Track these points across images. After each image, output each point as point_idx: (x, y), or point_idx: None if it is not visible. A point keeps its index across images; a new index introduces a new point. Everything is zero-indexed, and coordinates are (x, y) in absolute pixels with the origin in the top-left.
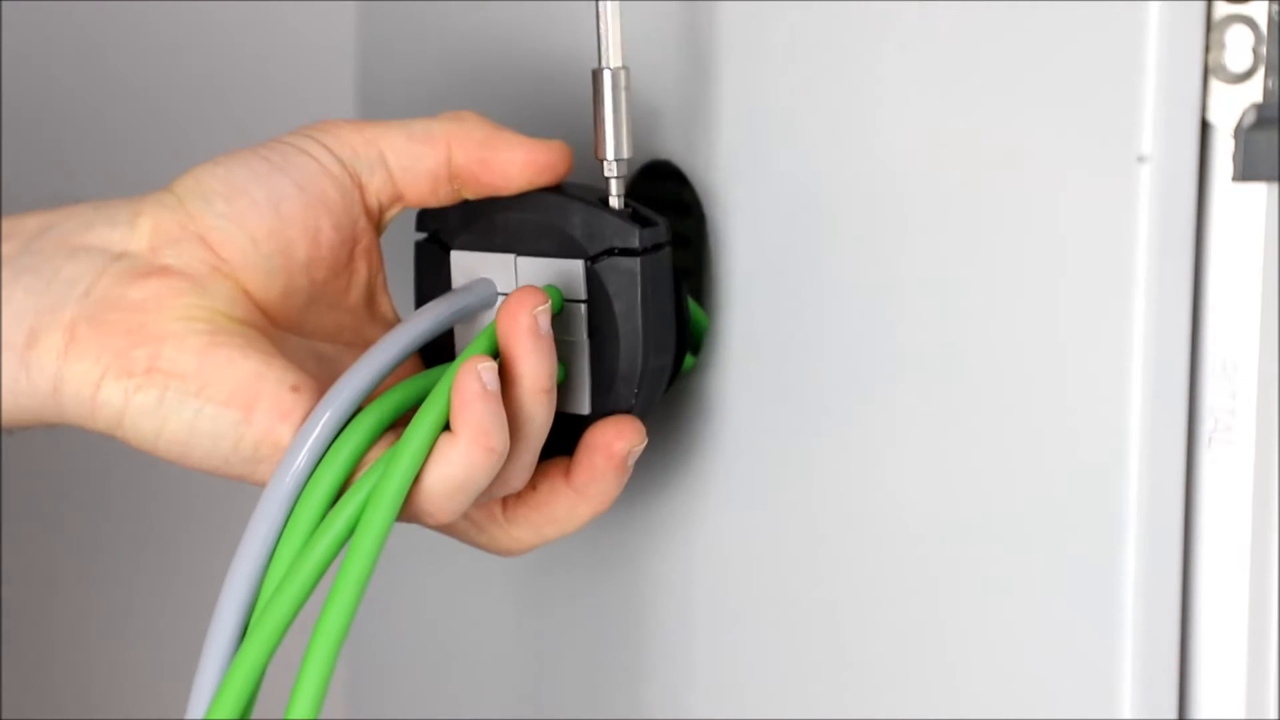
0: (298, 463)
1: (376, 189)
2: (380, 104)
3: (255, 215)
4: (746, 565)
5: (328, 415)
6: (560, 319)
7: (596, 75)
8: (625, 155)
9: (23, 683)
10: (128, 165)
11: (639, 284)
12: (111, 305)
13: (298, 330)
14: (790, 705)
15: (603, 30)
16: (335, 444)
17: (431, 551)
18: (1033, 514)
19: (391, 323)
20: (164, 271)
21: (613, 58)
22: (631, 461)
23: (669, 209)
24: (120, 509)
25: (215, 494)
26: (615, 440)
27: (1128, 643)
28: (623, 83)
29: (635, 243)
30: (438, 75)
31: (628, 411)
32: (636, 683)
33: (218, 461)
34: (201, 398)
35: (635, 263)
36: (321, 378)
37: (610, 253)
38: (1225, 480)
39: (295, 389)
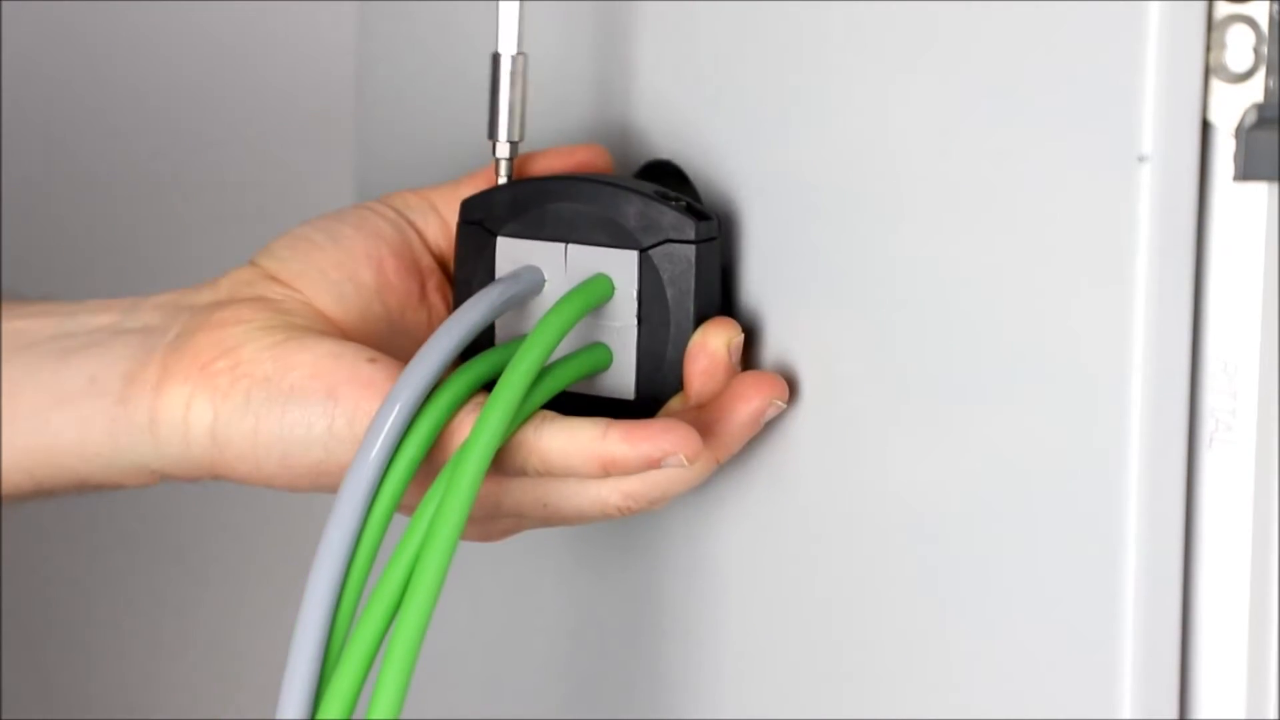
0: (374, 451)
1: (434, 234)
2: (380, 104)
3: (318, 251)
4: (746, 563)
5: (405, 395)
6: (609, 307)
7: (496, 60)
8: (516, 138)
9: (23, 683)
10: (128, 165)
11: (694, 270)
12: (195, 330)
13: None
14: (790, 705)
15: (503, 18)
16: (419, 415)
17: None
18: (1032, 514)
19: None
20: (241, 300)
21: (509, 45)
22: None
23: None
24: (121, 507)
25: (215, 495)
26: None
27: (1128, 643)
28: (520, 68)
29: (691, 235)
30: (438, 75)
31: (672, 396)
32: (635, 683)
33: (319, 452)
34: (284, 388)
35: (691, 249)
36: None
37: (665, 243)
38: (1226, 480)
39: (373, 360)
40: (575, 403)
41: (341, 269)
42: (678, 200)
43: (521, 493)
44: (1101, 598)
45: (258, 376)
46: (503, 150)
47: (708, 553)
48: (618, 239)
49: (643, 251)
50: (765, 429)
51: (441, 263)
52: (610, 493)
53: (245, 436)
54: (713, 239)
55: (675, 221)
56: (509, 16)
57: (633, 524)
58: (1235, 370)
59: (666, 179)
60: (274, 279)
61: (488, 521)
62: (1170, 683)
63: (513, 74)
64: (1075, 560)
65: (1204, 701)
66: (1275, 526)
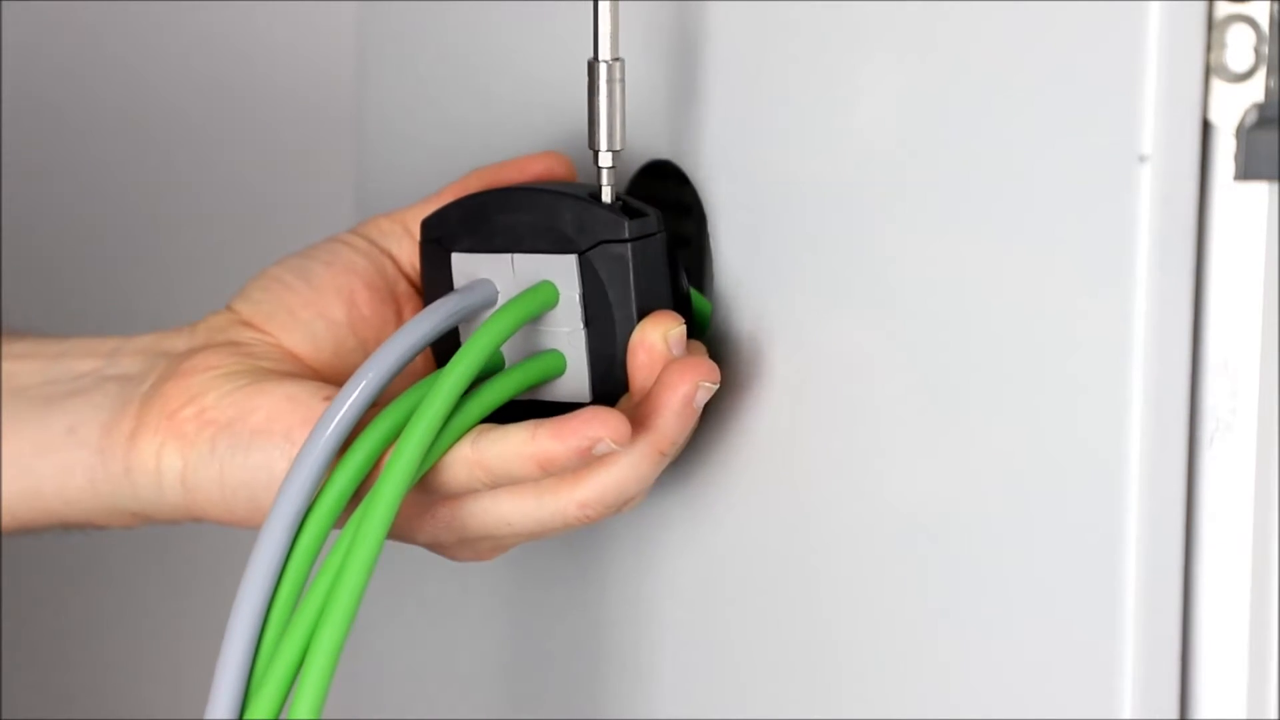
0: (307, 464)
1: (407, 257)
2: (380, 104)
3: (288, 292)
4: (744, 563)
5: (338, 418)
6: (556, 312)
7: (592, 67)
8: (618, 147)
9: (23, 683)
10: (127, 165)
11: (630, 269)
12: (167, 378)
13: None
14: (790, 706)
15: (600, 21)
16: (351, 447)
17: (424, 557)
18: (1033, 514)
19: None
20: (213, 346)
21: (607, 49)
22: (698, 402)
23: (669, 209)
24: None
25: None
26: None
27: (1128, 643)
28: (617, 75)
29: (624, 234)
30: (438, 75)
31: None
32: (632, 684)
33: None
34: (245, 433)
35: (626, 248)
36: None
37: (601, 245)
38: (1226, 480)
39: (328, 398)
40: (536, 409)
41: (311, 307)
42: (614, 201)
43: (484, 513)
44: (1101, 598)
45: (221, 423)
46: (605, 160)
47: (707, 550)
48: (558, 245)
49: (581, 255)
50: (765, 430)
51: (418, 286)
52: (566, 504)
53: (213, 482)
54: (650, 235)
55: (608, 221)
56: (606, 20)
57: (633, 517)
58: (1235, 370)
59: (666, 179)
60: (246, 324)
61: (468, 545)
62: (1170, 683)
63: (610, 80)
64: (1075, 560)
65: (1204, 701)
66: (1275, 526)
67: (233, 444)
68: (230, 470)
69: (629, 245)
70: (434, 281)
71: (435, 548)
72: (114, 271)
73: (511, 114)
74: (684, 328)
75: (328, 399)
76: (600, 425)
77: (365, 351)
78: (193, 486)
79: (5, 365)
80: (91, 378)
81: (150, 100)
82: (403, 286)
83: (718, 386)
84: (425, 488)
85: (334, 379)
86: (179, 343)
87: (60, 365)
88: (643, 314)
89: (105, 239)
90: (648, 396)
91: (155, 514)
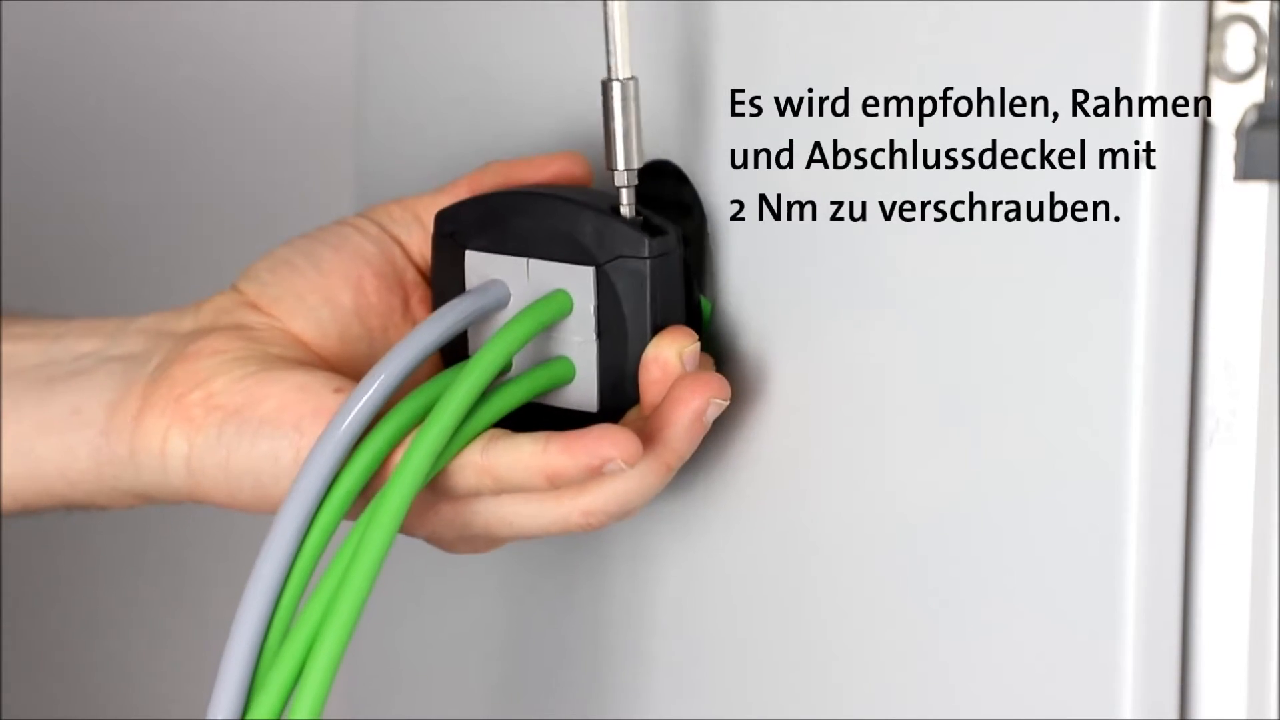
0: (320, 462)
1: (417, 245)
2: (380, 105)
3: (296, 275)
4: (745, 564)
5: (353, 415)
6: (569, 321)
7: (606, 86)
8: (635, 165)
9: (23, 683)
10: (127, 166)
11: (648, 285)
12: (173, 360)
13: None
14: (792, 706)
15: (611, 41)
16: (360, 445)
17: (430, 554)
18: (1033, 514)
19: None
20: (220, 329)
21: (622, 68)
22: (708, 417)
23: (669, 209)
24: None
25: None
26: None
27: (1128, 643)
28: (632, 93)
29: (645, 252)
30: (438, 75)
31: (633, 407)
32: (635, 685)
33: (289, 483)
34: (254, 421)
35: (644, 265)
36: None
37: (619, 259)
38: (1226, 480)
39: (339, 390)
40: (542, 415)
41: (319, 293)
42: (635, 215)
43: (488, 513)
44: (1101, 598)
45: (229, 409)
46: (622, 179)
47: (708, 551)
48: (575, 254)
49: (598, 267)
50: (765, 432)
51: (426, 275)
52: (570, 511)
53: (218, 467)
54: (667, 254)
55: (629, 237)
56: (618, 40)
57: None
58: (1235, 370)
59: (666, 179)
60: (253, 306)
61: (466, 541)
62: (1170, 683)
63: (624, 99)
64: (1075, 560)
65: (1204, 701)
66: (1275, 526)
67: (240, 431)
68: (236, 457)
69: (648, 263)
70: (444, 275)
71: (434, 541)
72: (113, 274)
73: (511, 114)
74: (698, 345)
75: (339, 391)
76: (612, 445)
77: (371, 339)
78: (197, 471)
79: (5, 346)
80: (93, 358)
81: (150, 100)
82: (410, 275)
83: (728, 403)
84: (432, 488)
85: (339, 365)
86: (183, 323)
87: (61, 345)
88: (657, 330)
89: (104, 240)
90: (658, 410)
91: (158, 496)
